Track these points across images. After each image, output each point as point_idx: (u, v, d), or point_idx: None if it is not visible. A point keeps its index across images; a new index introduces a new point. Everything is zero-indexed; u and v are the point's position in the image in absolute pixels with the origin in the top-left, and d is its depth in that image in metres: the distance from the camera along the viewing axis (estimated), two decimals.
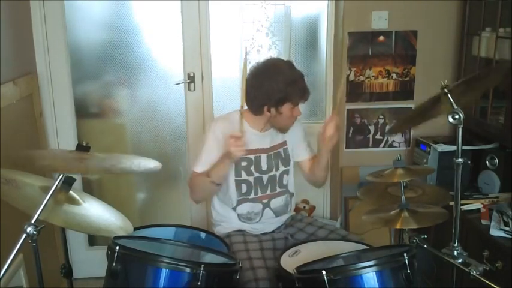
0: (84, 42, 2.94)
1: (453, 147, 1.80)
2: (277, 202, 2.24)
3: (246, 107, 2.14)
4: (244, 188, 2.18)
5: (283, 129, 2.20)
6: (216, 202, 2.27)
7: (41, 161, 1.75)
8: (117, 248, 1.62)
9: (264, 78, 2.07)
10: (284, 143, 2.27)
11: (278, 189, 2.24)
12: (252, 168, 2.18)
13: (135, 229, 1.86)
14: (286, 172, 2.27)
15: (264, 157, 2.20)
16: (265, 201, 2.21)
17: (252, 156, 2.17)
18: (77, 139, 2.94)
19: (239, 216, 2.21)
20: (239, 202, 2.20)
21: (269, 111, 2.10)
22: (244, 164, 2.16)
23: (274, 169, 2.23)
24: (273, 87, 2.04)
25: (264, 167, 2.20)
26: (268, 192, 2.22)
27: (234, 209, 2.21)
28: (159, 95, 3.02)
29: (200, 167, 2.14)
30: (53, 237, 2.74)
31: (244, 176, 2.17)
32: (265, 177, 2.21)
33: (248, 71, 2.11)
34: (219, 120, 2.24)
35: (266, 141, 2.21)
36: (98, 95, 3.05)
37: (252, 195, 2.19)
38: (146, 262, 1.63)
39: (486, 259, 1.82)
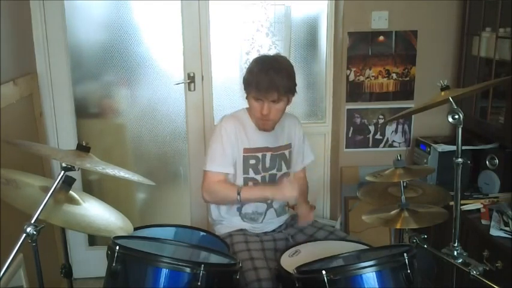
0: (84, 42, 2.94)
1: (453, 147, 1.80)
2: (279, 202, 2.24)
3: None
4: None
5: (258, 127, 2.16)
6: None
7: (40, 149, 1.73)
8: (117, 248, 1.61)
9: (251, 66, 2.11)
10: (289, 145, 2.27)
11: None
12: (260, 167, 2.18)
13: (135, 229, 1.86)
14: (287, 174, 2.28)
15: (268, 156, 2.20)
16: (270, 201, 2.21)
17: (259, 155, 2.18)
18: (77, 139, 2.93)
19: (242, 216, 2.21)
20: None
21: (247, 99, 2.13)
22: (252, 162, 2.16)
23: (275, 169, 2.23)
24: (247, 73, 2.10)
25: (267, 165, 2.20)
26: None
27: (239, 208, 2.20)
28: (159, 95, 3.02)
29: (217, 167, 2.11)
30: (53, 237, 2.73)
31: (251, 174, 2.17)
32: (267, 176, 2.21)
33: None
34: (227, 118, 2.19)
35: (271, 141, 2.21)
36: (98, 95, 3.05)
37: None
38: (146, 262, 1.63)
39: (486, 259, 1.82)
